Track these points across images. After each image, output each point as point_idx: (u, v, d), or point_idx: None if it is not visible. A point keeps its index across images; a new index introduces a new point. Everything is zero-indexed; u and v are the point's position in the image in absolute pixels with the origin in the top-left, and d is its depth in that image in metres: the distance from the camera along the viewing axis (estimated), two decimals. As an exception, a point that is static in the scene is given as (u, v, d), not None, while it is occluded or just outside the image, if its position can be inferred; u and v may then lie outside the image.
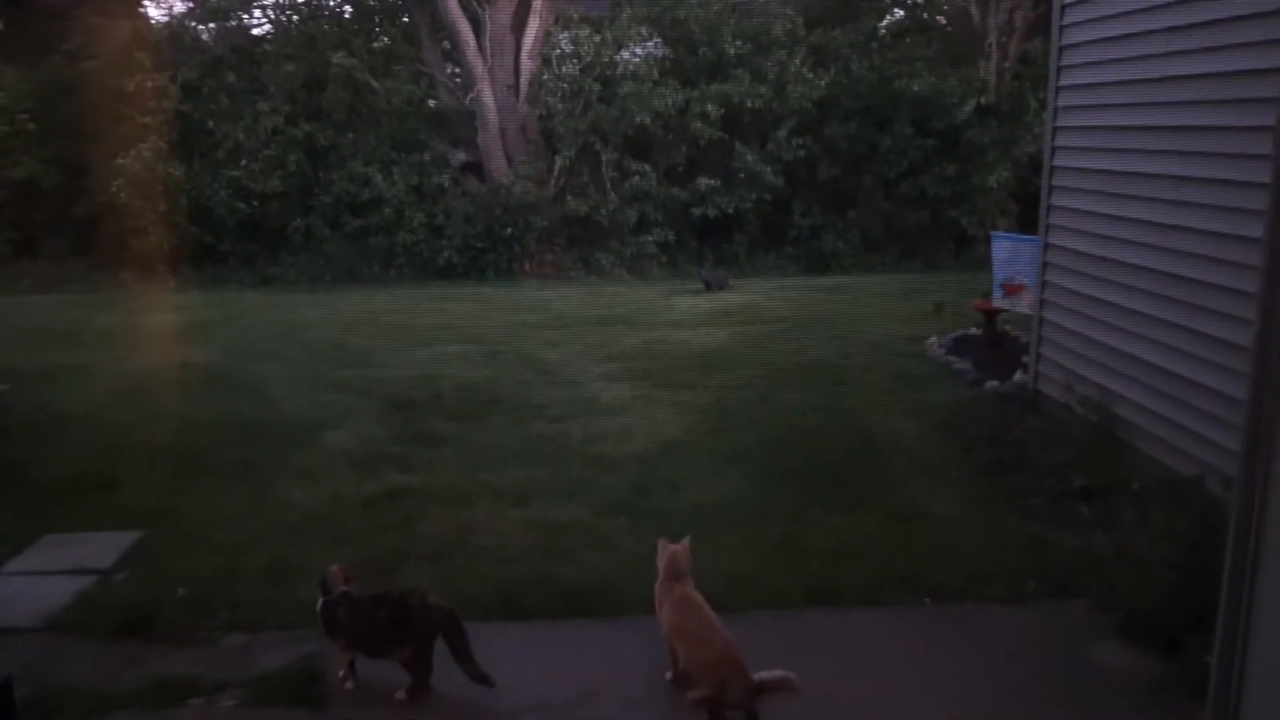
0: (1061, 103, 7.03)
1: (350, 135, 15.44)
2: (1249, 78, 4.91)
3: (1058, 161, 7.08)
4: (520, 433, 6.97)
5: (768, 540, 5.12)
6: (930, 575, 4.71)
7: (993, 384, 7.53)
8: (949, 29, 17.47)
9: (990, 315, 8.46)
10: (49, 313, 11.66)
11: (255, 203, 14.96)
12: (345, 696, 3.84)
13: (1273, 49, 4.78)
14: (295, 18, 16.53)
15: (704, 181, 14.93)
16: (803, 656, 3.97)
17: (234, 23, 16.54)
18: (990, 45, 15.66)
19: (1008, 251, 8.45)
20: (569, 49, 15.76)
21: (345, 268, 14.55)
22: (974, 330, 8.83)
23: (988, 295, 8.51)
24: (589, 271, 14.70)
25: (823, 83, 15.17)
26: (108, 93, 14.27)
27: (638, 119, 14.83)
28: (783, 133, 15.04)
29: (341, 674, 3.90)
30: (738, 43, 15.50)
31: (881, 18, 17.56)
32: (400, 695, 3.79)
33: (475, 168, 15.56)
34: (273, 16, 16.81)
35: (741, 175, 14.92)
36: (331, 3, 16.88)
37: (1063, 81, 6.99)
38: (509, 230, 14.59)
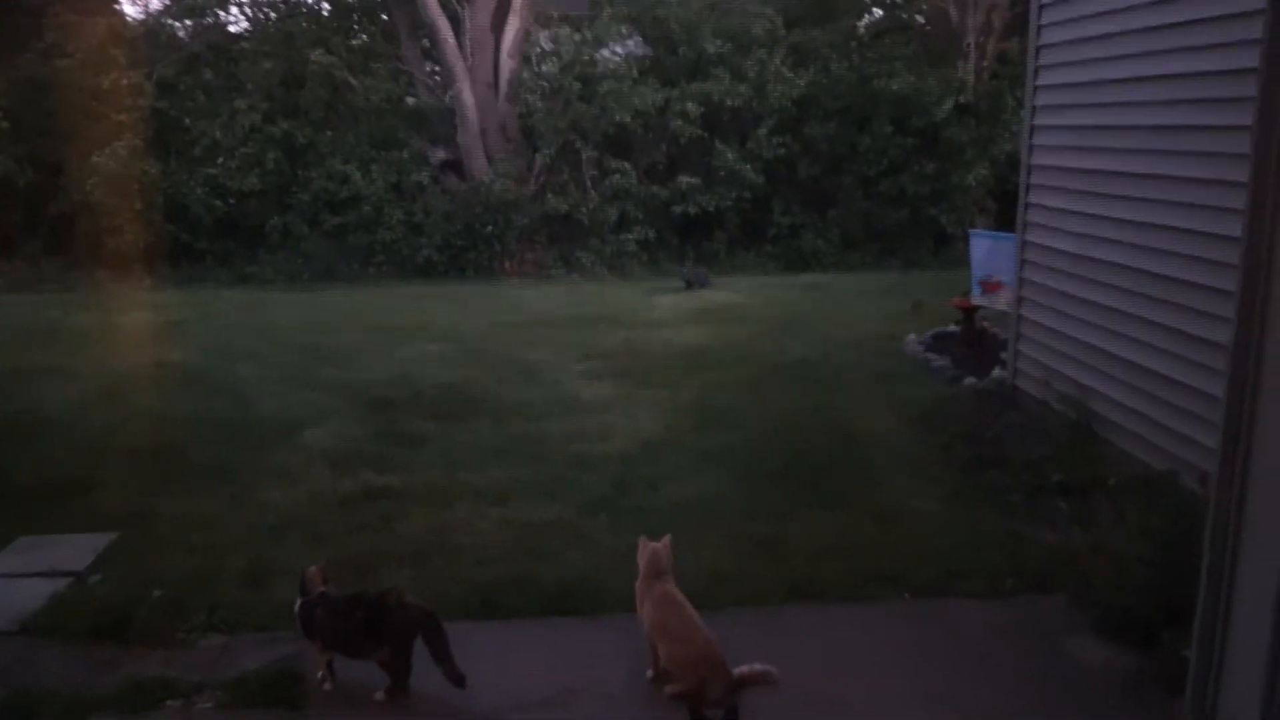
0: (1039, 102, 7.09)
1: (329, 133, 15.34)
2: (1226, 77, 4.96)
3: (1035, 160, 7.14)
4: (500, 432, 6.95)
5: (748, 537, 5.13)
6: (909, 571, 4.73)
7: (971, 381, 7.58)
8: (927, 29, 17.56)
9: (969, 313, 8.51)
10: (24, 312, 11.53)
11: (232, 201, 14.83)
12: (323, 697, 3.82)
13: (1249, 49, 4.83)
14: (273, 15, 16.41)
15: (684, 180, 14.94)
16: (783, 652, 3.98)
17: (210, 20, 16.41)
18: (968, 45, 15.75)
19: (986, 249, 8.50)
20: (549, 47, 15.73)
21: (324, 266, 14.45)
22: (953, 328, 8.88)
23: (966, 293, 8.56)
24: (569, 270, 14.68)
25: (802, 82, 15.21)
26: (83, 90, 14.12)
27: (618, 117, 14.82)
28: (763, 131, 15.07)
29: (320, 675, 3.87)
30: (717, 42, 15.52)
31: (860, 17, 17.63)
32: (379, 696, 3.77)
33: (455, 166, 15.50)
34: (250, 14, 16.69)
35: (722, 174, 14.94)
36: (310, 0, 16.78)
37: (1040, 81, 7.05)
38: (489, 228, 14.54)
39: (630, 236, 14.93)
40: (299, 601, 3.91)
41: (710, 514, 5.41)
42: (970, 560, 4.83)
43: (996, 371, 7.57)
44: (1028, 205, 7.19)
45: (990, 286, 8.40)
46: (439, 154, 15.52)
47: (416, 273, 14.54)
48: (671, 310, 11.35)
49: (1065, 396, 6.21)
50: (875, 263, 14.91)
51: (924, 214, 15.16)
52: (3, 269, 14.11)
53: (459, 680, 3.74)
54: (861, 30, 17.27)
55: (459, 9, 15.33)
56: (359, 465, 6.25)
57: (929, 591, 4.60)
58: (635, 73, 15.17)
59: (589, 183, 15.16)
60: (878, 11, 17.99)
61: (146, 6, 16.89)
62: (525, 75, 15.37)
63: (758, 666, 3.68)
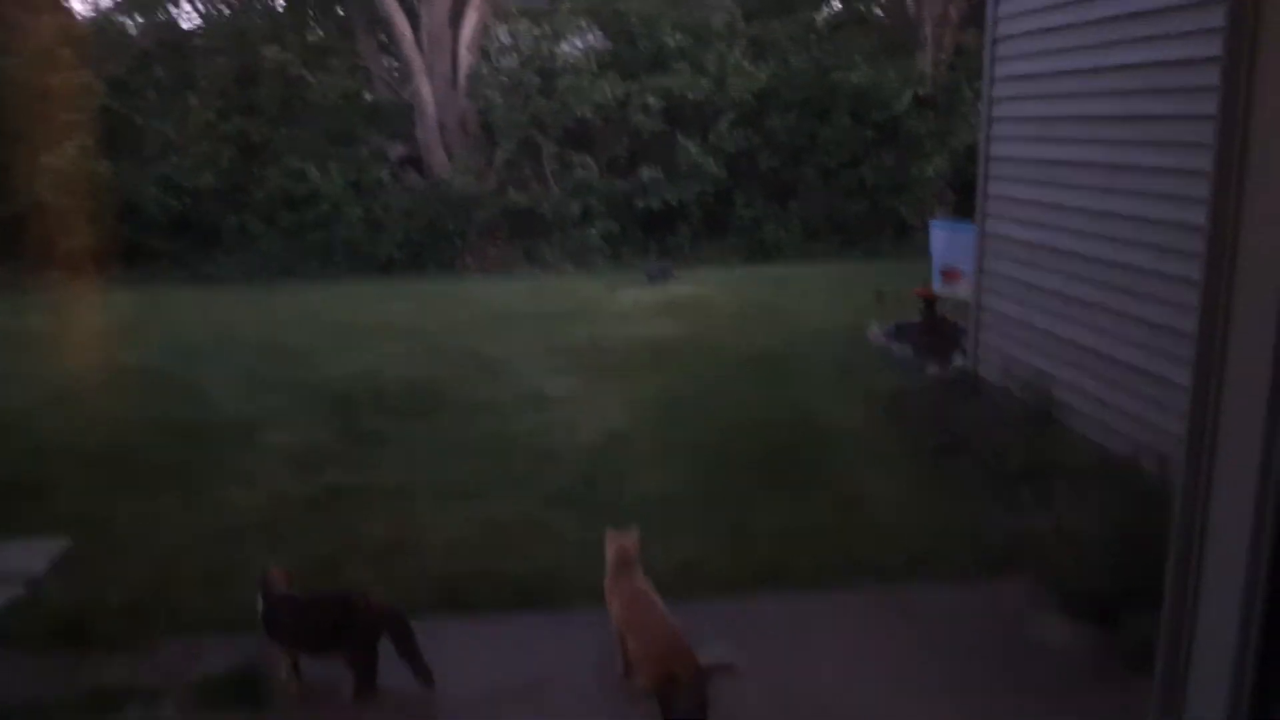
0: (997, 93, 7.16)
1: (284, 130, 15.13)
2: (1187, 66, 5.00)
3: (994, 150, 7.22)
4: (464, 428, 6.90)
5: (715, 527, 5.14)
6: (875, 558, 4.77)
7: (933, 369, 7.65)
8: (885, 21, 17.67)
9: (930, 302, 8.58)
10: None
11: (187, 200, 14.58)
12: (289, 698, 3.76)
13: (1211, 37, 4.89)
14: (225, 10, 16.15)
15: (646, 173, 14.92)
16: (751, 641, 3.99)
17: (162, 17, 16.11)
18: (926, 37, 15.86)
19: (946, 239, 8.59)
20: (508, 41, 15.63)
21: (282, 264, 14.25)
22: (915, 318, 8.95)
23: (927, 283, 8.63)
24: (532, 264, 14.61)
25: (763, 75, 15.25)
26: (32, 90, 13.78)
27: (578, 112, 14.76)
28: (724, 124, 15.09)
29: (285, 676, 3.82)
30: (677, 35, 15.50)
31: (819, 9, 17.70)
32: (346, 695, 3.72)
33: (414, 161, 15.36)
34: (202, 10, 16.42)
35: (684, 167, 14.95)
36: (263, -5, 16.55)
37: (998, 72, 7.12)
38: (450, 224, 14.42)
39: (593, 230, 14.89)
40: (262, 603, 3.85)
41: (677, 505, 5.41)
42: (935, 546, 4.88)
43: (958, 360, 7.65)
44: (986, 195, 7.27)
45: (951, 275, 8.49)
46: (398, 150, 15.37)
47: (377, 270, 14.40)
48: (635, 304, 11.34)
49: (1026, 383, 6.29)
50: (837, 253, 15.00)
51: (884, 205, 15.28)
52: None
53: (427, 677, 3.71)
54: (820, 23, 17.34)
55: (416, 3, 15.18)
56: (321, 464, 6.18)
57: (894, 577, 4.64)
58: (595, 66, 15.12)
59: (550, 177, 15.09)
60: (836, 4, 18.07)
61: (96, 4, 16.55)
62: (484, 70, 15.26)
63: (721, 656, 3.68)
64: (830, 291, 11.57)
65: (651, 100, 14.87)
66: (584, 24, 15.85)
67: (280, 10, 16.44)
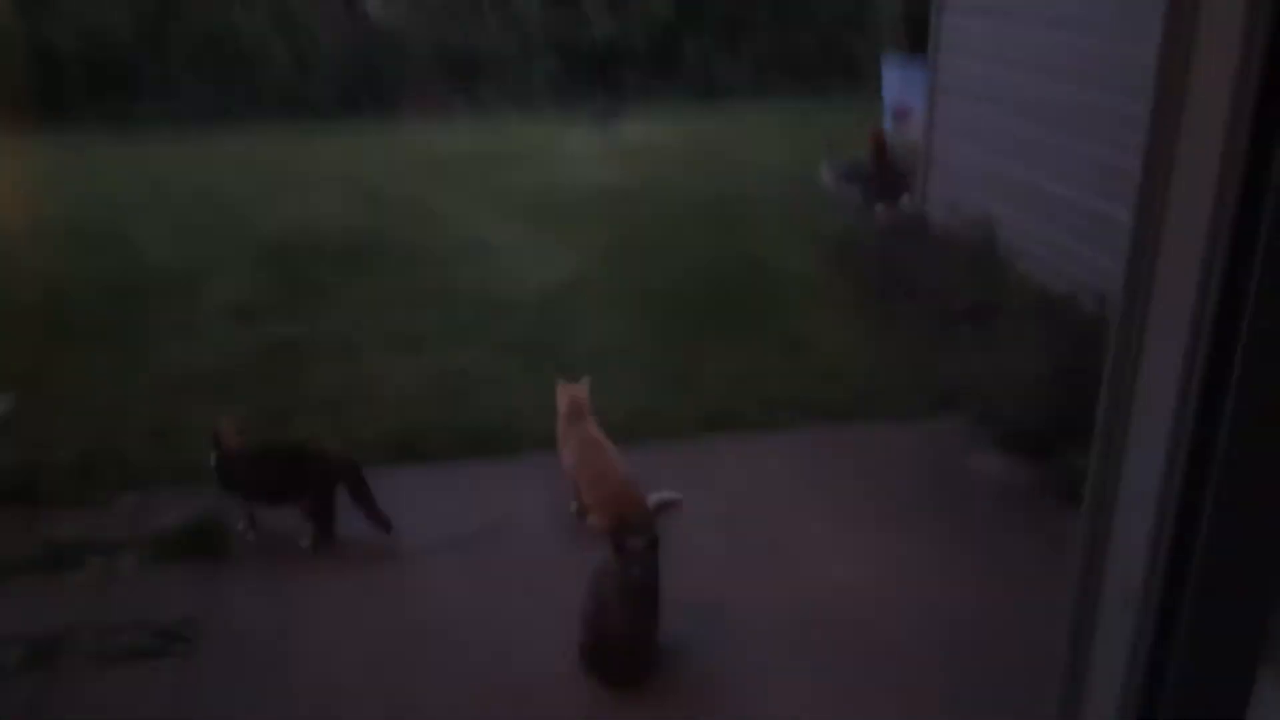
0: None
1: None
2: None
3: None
4: (409, 278, 6.79)
5: (664, 372, 5.20)
6: (819, 398, 4.88)
7: (882, 211, 7.64)
8: None
9: (880, 143, 8.49)
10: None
11: (101, 44, 13.66)
12: (248, 547, 3.81)
13: None
14: None
15: (590, 4, 14.27)
16: (699, 481, 4.13)
17: None
18: None
19: (898, 76, 8.42)
20: None
21: (206, 109, 13.55)
22: (864, 158, 8.87)
23: (879, 123, 8.51)
24: (473, 106, 14.08)
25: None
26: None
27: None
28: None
29: (241, 526, 3.86)
30: None
31: None
32: (305, 543, 3.78)
33: (343, -5, 14.50)
34: None
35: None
36: None
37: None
38: (383, 63, 13.75)
39: (536, 68, 14.31)
40: (214, 455, 3.85)
41: (626, 352, 5.45)
42: (878, 385, 5.01)
43: (907, 202, 7.64)
44: (938, 28, 7.09)
45: (902, 115, 8.37)
46: (325, -18, 14.46)
47: (308, 113, 13.76)
48: (582, 147, 11.06)
49: (973, 224, 6.32)
50: (788, 92, 14.66)
51: (837, 41, 14.87)
52: None
53: (385, 524, 3.78)
54: None
55: None
56: (263, 317, 6.07)
57: (839, 416, 4.77)
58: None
59: (486, 8, 14.37)
60: None
61: None
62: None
63: (666, 494, 3.82)
64: (781, 132, 11.38)
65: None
66: None
67: None
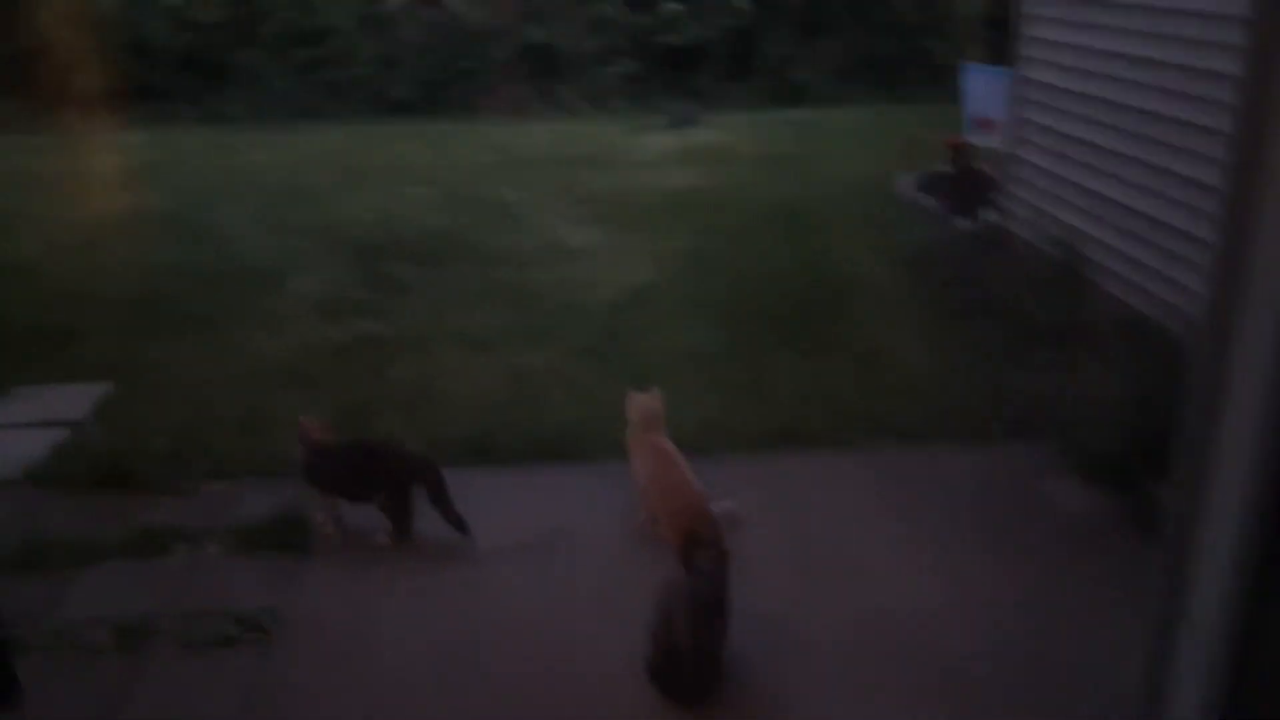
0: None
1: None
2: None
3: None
4: (486, 278, 6.91)
5: (735, 383, 5.21)
6: (894, 416, 4.83)
7: (962, 223, 7.52)
8: None
9: (961, 151, 8.35)
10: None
11: (196, 35, 14.11)
12: (329, 542, 3.93)
13: None
14: None
15: (669, 6, 14.30)
16: (770, 497, 4.13)
17: None
18: None
19: (980, 84, 8.28)
20: None
21: (294, 103, 13.93)
22: (944, 168, 8.74)
23: (959, 131, 8.38)
24: (550, 106, 14.22)
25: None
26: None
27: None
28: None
29: (321, 519, 3.97)
30: None
31: None
32: (382, 539, 3.89)
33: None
34: None
35: (707, 1, 14.30)
36: None
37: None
38: (465, 62, 13.97)
39: (614, 70, 14.40)
40: (300, 449, 3.97)
41: (698, 360, 5.46)
42: (955, 405, 4.93)
43: (988, 213, 7.51)
44: (1022, 37, 6.94)
45: (984, 124, 8.23)
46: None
47: (390, 110, 14.06)
48: (658, 150, 11.10)
49: (1056, 240, 6.19)
50: (866, 96, 14.51)
51: (917, 44, 14.65)
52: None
53: (460, 525, 3.86)
54: None
55: None
56: (346, 312, 6.24)
57: (913, 436, 4.71)
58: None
59: (570, 11, 14.48)
60: None
61: None
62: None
63: (726, 503, 3.77)
64: (859, 137, 11.28)
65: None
66: None
67: None
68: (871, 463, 4.53)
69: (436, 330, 5.98)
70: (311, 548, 3.90)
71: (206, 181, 9.76)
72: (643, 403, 3.97)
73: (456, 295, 6.59)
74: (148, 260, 7.28)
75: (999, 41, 13.38)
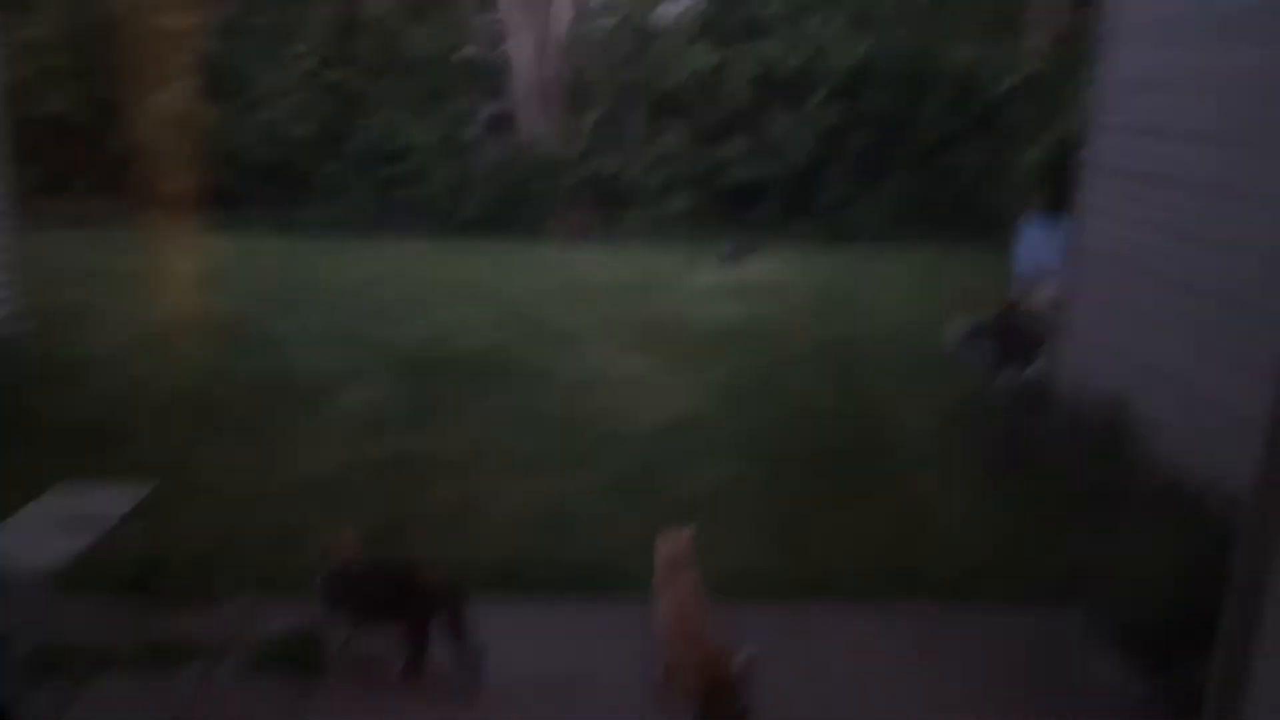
0: (1105, 86, 6.78)
1: (381, 81, 15.33)
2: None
3: (1096, 149, 6.89)
4: (533, 401, 7.01)
5: (771, 528, 5.14)
6: (931, 573, 4.72)
7: (1008, 376, 7.45)
8: (993, -2, 17.01)
9: (1012, 305, 8.34)
10: (71, 251, 11.75)
11: (284, 148, 14.93)
12: (341, 668, 3.90)
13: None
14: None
15: (735, 144, 14.73)
16: (801, 651, 4.03)
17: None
18: (1034, 18, 15.25)
19: (1035, 241, 8.32)
20: (605, 2, 15.53)
21: (370, 217, 14.53)
22: (993, 318, 8.71)
23: (1010, 280, 8.39)
24: (613, 233, 14.60)
25: (861, 48, 14.87)
26: (141, 31, 14.22)
27: (672, 77, 14.63)
28: (818, 97, 14.78)
29: (340, 644, 3.95)
30: (777, 1, 15.20)
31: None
32: (395, 670, 3.84)
33: (504, 121, 15.45)
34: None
35: (773, 140, 14.72)
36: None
37: (1109, 62, 6.73)
38: (535, 187, 14.49)
39: (677, 201, 14.78)
40: (325, 569, 3.95)
41: (734, 501, 5.43)
42: (993, 565, 4.80)
43: (1035, 368, 7.44)
44: (1083, 194, 6.98)
45: (1036, 276, 8.24)
46: (489, 108, 15.48)
47: (460, 229, 14.56)
48: (711, 283, 11.28)
49: (1103, 400, 6.09)
50: (923, 241, 14.64)
51: (977, 193, 14.82)
52: (54, 206, 14.35)
53: (471, 665, 3.79)
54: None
55: (515, -40, 15.18)
56: (390, 428, 6.36)
57: (946, 593, 4.58)
58: (698, 29, 14.92)
59: (638, 144, 15.02)
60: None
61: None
62: (580, 30, 15.21)
63: (746, 651, 3.62)
64: (910, 282, 11.35)
65: (746, 68, 14.60)
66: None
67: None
68: (903, 619, 4.41)
69: (477, 451, 6.05)
70: (324, 673, 3.87)
71: (277, 289, 10.15)
72: (671, 543, 3.93)
73: (500, 416, 6.68)
74: (208, 364, 7.53)
75: (1058, 194, 13.55)
